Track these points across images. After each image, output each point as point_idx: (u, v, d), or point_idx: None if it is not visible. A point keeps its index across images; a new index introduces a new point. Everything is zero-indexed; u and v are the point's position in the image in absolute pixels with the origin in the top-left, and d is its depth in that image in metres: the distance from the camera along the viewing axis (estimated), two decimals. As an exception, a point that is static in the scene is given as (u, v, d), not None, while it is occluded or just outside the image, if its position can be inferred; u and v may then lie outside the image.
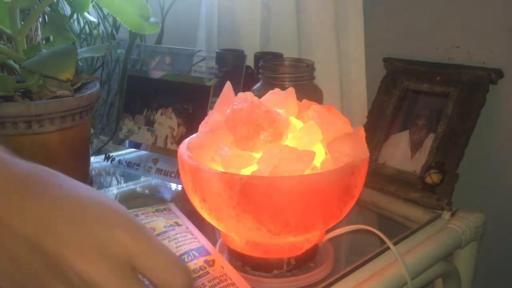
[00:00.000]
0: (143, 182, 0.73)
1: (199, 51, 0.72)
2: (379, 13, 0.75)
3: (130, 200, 0.69)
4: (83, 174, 0.59)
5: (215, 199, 0.40)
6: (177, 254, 0.46)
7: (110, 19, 0.90)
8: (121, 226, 0.26)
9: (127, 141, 0.75)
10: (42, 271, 0.25)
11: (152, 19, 0.60)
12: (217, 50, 0.72)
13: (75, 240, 0.25)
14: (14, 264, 0.25)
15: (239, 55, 0.68)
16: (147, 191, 0.71)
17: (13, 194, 0.26)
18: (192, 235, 0.50)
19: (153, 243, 0.27)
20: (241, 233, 0.43)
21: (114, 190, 0.71)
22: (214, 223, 0.44)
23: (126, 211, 0.28)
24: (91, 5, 0.62)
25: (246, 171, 0.41)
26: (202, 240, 0.49)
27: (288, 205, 0.39)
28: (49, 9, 0.71)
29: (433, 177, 0.61)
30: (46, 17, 0.62)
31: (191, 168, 0.42)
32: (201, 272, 0.43)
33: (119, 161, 0.74)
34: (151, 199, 0.69)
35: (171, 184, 0.70)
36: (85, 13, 0.66)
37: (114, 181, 0.75)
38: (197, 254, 0.46)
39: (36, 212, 0.26)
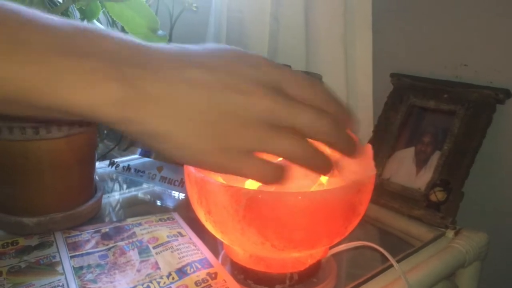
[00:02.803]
0: (146, 189, 0.73)
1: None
2: (388, 29, 0.76)
3: (133, 206, 0.69)
4: (89, 180, 0.59)
5: (221, 212, 0.40)
6: (180, 265, 0.46)
7: (119, 25, 0.90)
8: (265, 64, 0.33)
9: (139, 149, 0.75)
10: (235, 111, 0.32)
11: (160, 32, 0.60)
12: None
13: (238, 85, 0.32)
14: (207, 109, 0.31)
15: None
16: (150, 198, 0.71)
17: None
18: (195, 246, 0.50)
19: (291, 70, 0.35)
20: (245, 247, 0.43)
21: (116, 196, 0.71)
22: (218, 235, 0.44)
23: (259, 55, 0.35)
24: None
25: (253, 185, 0.41)
26: (205, 252, 0.49)
27: (294, 220, 0.39)
28: (60, 14, 0.71)
29: (438, 195, 0.61)
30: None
31: (197, 180, 0.42)
32: (203, 285, 0.43)
33: (124, 167, 0.74)
34: (154, 206, 0.69)
35: (174, 192, 0.70)
36: (94, 20, 0.66)
37: (118, 187, 0.75)
38: (199, 266, 0.46)
39: (207, 75, 0.32)
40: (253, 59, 0.34)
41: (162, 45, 0.33)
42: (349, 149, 0.36)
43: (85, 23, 0.31)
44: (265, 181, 0.34)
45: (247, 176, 0.34)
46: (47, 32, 0.29)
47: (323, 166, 0.35)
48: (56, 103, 0.29)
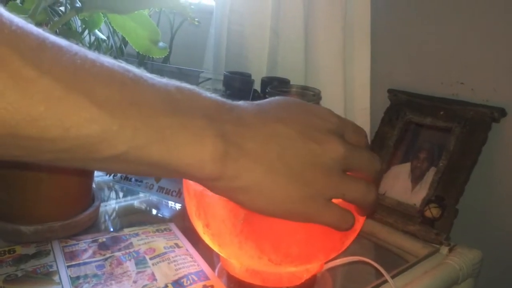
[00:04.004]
0: (142, 198, 0.73)
1: (207, 72, 0.73)
2: (387, 45, 0.77)
3: (129, 215, 0.69)
4: (87, 189, 0.59)
5: (219, 225, 0.41)
6: (176, 277, 0.46)
7: (120, 34, 0.91)
8: (329, 114, 0.37)
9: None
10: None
11: (161, 44, 0.61)
12: (225, 73, 0.73)
13: (315, 135, 0.35)
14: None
15: (246, 79, 0.69)
16: (146, 208, 0.71)
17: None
18: (192, 258, 0.50)
19: (345, 119, 0.38)
20: (242, 260, 0.43)
21: (113, 204, 0.71)
22: (215, 248, 0.44)
23: (321, 106, 0.40)
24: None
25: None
26: (201, 264, 0.49)
27: (291, 236, 0.39)
28: (63, 24, 0.71)
29: (433, 211, 0.61)
30: (57, 31, 0.62)
31: (196, 193, 0.42)
32: (200, 297, 0.43)
33: (122, 176, 0.74)
34: (150, 215, 0.69)
35: (170, 201, 0.70)
36: (96, 30, 0.67)
37: (115, 196, 0.75)
38: (196, 279, 0.46)
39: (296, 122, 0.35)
40: (319, 111, 0.37)
41: (240, 103, 0.35)
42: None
43: (176, 81, 0.32)
44: (343, 228, 0.38)
45: (329, 223, 0.37)
46: (156, 91, 0.30)
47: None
48: (166, 160, 0.30)
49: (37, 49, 0.26)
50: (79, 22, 0.78)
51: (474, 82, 0.67)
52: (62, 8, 0.67)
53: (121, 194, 0.75)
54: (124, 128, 0.28)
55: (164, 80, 0.32)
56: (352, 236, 0.44)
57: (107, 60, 0.29)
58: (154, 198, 0.72)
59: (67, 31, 0.66)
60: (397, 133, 0.71)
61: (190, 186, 0.43)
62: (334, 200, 0.37)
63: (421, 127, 0.70)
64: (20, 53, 0.25)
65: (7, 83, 0.24)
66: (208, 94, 0.33)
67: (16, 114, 0.25)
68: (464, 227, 0.64)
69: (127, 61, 0.78)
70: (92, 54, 0.29)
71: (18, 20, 0.26)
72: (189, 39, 0.97)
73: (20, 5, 0.55)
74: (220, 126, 0.32)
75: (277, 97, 0.38)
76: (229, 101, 0.34)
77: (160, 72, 0.68)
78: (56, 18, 0.61)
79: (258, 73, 0.79)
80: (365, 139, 0.39)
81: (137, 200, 0.73)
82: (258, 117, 0.34)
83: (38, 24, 0.59)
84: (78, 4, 0.51)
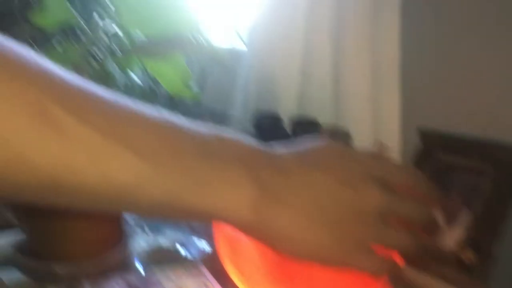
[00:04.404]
0: (171, 235, 0.73)
1: (236, 112, 0.74)
2: (417, 84, 0.76)
3: (158, 252, 0.69)
4: (117, 227, 0.60)
5: (251, 269, 0.40)
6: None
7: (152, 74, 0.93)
8: (367, 158, 0.37)
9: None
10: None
11: (194, 88, 0.62)
12: (255, 114, 0.74)
13: (351, 181, 0.34)
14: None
15: (276, 119, 0.70)
16: (175, 245, 0.71)
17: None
18: (222, 300, 0.50)
19: (386, 160, 0.39)
20: (274, 305, 0.43)
21: (141, 241, 0.72)
22: (247, 292, 0.43)
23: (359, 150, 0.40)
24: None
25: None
26: (231, 307, 0.48)
27: (325, 281, 0.39)
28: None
29: (468, 256, 0.60)
30: (93, 74, 0.65)
31: (228, 236, 0.42)
32: None
33: (150, 214, 0.74)
34: (179, 254, 0.69)
35: (198, 239, 0.70)
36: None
37: (143, 232, 0.75)
38: (226, 323, 0.45)
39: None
40: (358, 156, 0.37)
41: (277, 149, 0.35)
42: (433, 230, 0.40)
43: (215, 127, 0.33)
44: (381, 275, 0.37)
45: (365, 270, 0.36)
46: (192, 139, 0.31)
47: (421, 258, 0.39)
48: (201, 207, 0.30)
49: (77, 98, 0.27)
50: (113, 64, 0.81)
51: (508, 122, 0.66)
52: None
53: (149, 231, 0.75)
54: (161, 175, 0.29)
55: (201, 127, 0.32)
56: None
57: (144, 107, 0.30)
58: (182, 235, 0.72)
59: (103, 74, 0.69)
60: (429, 174, 0.69)
61: (222, 229, 0.43)
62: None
63: (454, 168, 0.69)
64: (60, 103, 0.26)
65: (50, 135, 0.25)
66: (246, 140, 0.34)
67: (58, 164, 0.26)
68: (501, 273, 0.62)
69: (159, 101, 0.80)
70: (129, 102, 0.30)
71: (59, 71, 0.28)
72: (220, 80, 0.99)
73: (61, 52, 0.57)
74: (257, 173, 0.32)
75: (314, 142, 0.38)
76: (266, 148, 0.35)
77: (190, 113, 0.69)
78: (94, 63, 0.63)
79: (287, 113, 0.79)
80: (413, 177, 0.38)
81: (166, 238, 0.73)
82: (295, 165, 0.34)
83: (77, 68, 0.62)
84: (118, 53, 0.53)
